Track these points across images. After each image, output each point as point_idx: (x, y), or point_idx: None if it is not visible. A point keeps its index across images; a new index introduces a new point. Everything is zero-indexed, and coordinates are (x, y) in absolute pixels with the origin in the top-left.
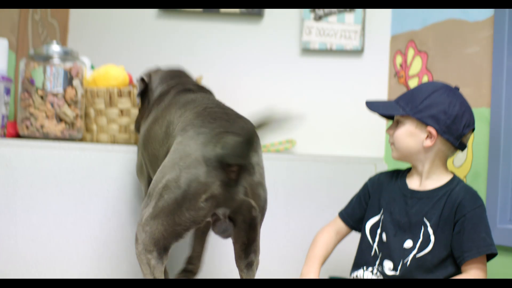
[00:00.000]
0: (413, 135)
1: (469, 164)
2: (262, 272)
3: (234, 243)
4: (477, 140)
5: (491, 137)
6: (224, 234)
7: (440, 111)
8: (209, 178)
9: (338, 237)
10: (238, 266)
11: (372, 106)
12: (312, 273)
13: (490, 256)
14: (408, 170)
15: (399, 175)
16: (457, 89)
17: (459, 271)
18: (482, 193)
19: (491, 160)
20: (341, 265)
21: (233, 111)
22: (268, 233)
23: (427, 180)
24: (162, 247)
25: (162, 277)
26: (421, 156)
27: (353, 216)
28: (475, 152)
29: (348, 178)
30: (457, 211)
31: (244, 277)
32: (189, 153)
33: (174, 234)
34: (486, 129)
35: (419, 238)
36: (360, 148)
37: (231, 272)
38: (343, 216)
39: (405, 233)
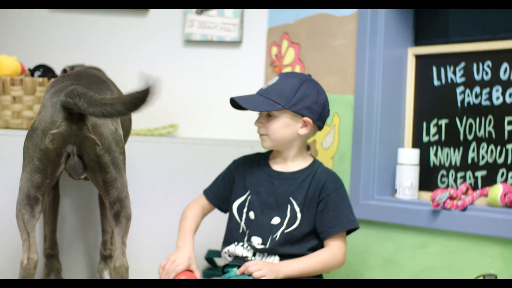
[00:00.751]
0: (288, 126)
1: (335, 146)
2: (142, 245)
3: (97, 187)
4: (343, 124)
5: (355, 122)
6: (74, 171)
7: (312, 101)
8: (54, 118)
9: (203, 212)
10: (108, 218)
11: (245, 103)
12: (187, 245)
13: (352, 230)
14: (269, 153)
15: (262, 157)
16: (310, 75)
17: (319, 243)
18: (347, 172)
19: (354, 143)
20: (219, 240)
21: (87, 74)
22: (151, 211)
23: (292, 163)
24: (32, 199)
25: (35, 232)
26: (293, 142)
27: (218, 196)
28: (341, 135)
29: (227, 160)
30: (321, 191)
31: (113, 231)
32: (43, 103)
33: (38, 182)
34: (351, 114)
35: (286, 215)
36: (238, 132)
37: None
38: (207, 194)
39: (272, 211)
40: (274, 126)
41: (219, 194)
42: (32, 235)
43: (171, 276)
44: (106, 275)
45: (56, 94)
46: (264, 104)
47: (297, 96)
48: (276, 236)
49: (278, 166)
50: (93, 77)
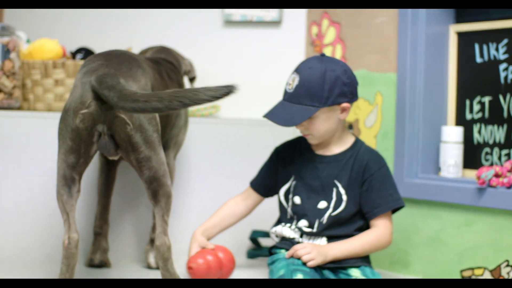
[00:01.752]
0: (329, 119)
1: (378, 124)
2: (187, 226)
3: (132, 166)
4: (386, 102)
5: (398, 100)
6: (105, 151)
7: (341, 85)
8: (83, 98)
9: (248, 202)
10: (147, 197)
11: (281, 120)
12: (195, 232)
13: (397, 209)
14: None
15: (303, 141)
16: (323, 55)
17: (366, 223)
18: (390, 151)
19: (398, 121)
20: (263, 220)
21: (118, 53)
22: (195, 192)
23: (334, 145)
24: (69, 180)
25: (74, 212)
26: (336, 128)
27: (264, 185)
28: (384, 113)
29: (269, 139)
30: (365, 171)
31: (155, 211)
32: (74, 84)
33: (72, 162)
34: (393, 92)
35: (332, 198)
36: None
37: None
38: (253, 185)
39: (318, 195)
40: (316, 126)
41: (265, 183)
42: (72, 215)
43: (188, 270)
44: (151, 257)
45: (87, 74)
46: (299, 113)
47: (326, 89)
48: (323, 220)
49: (320, 149)
50: (124, 56)
